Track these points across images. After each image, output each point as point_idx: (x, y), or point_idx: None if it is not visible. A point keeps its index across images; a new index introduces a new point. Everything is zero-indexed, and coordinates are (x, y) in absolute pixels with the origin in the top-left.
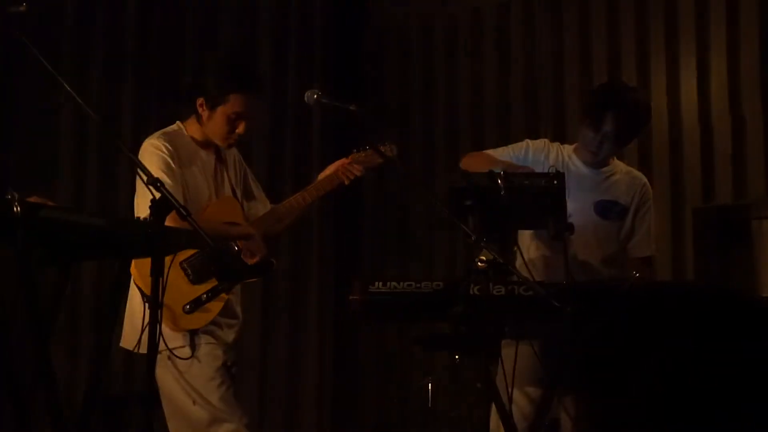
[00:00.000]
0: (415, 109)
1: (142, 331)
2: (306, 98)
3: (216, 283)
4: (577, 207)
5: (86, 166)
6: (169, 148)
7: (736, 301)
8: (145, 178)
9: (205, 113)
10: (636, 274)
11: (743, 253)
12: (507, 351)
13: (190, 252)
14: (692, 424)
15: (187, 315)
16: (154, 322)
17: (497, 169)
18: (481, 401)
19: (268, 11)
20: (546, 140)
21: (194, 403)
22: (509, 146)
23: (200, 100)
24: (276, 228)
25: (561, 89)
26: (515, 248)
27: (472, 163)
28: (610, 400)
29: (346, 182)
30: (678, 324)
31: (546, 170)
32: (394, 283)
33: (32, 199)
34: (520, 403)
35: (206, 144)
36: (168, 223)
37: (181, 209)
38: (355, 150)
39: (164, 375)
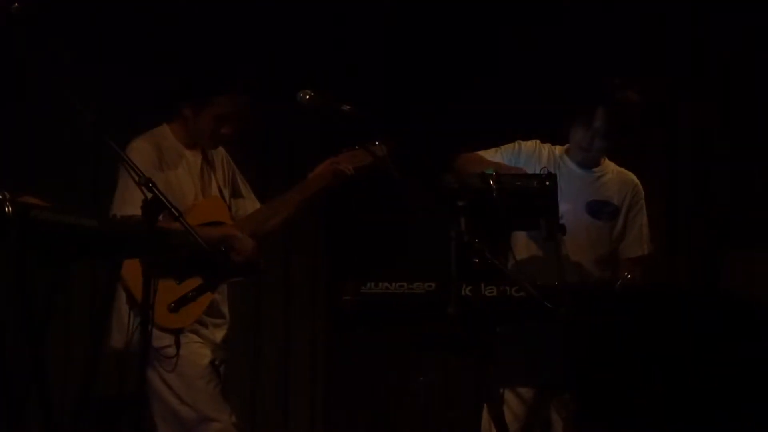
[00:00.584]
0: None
1: (128, 330)
2: (298, 98)
3: (201, 282)
4: (569, 208)
5: (80, 166)
6: (154, 149)
7: (730, 303)
8: (136, 177)
9: (190, 115)
10: (628, 275)
11: (738, 255)
12: (500, 351)
13: None
14: (683, 426)
15: (172, 314)
16: (145, 323)
17: (489, 170)
18: (474, 402)
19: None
20: (537, 141)
21: (182, 402)
22: (501, 147)
23: (185, 103)
24: (265, 227)
25: None
26: (507, 249)
27: (463, 164)
28: (602, 401)
29: (336, 181)
30: (671, 325)
31: (538, 171)
32: (386, 284)
33: (24, 199)
34: (512, 403)
35: (192, 144)
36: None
37: (173, 210)
38: (344, 149)
39: (152, 375)
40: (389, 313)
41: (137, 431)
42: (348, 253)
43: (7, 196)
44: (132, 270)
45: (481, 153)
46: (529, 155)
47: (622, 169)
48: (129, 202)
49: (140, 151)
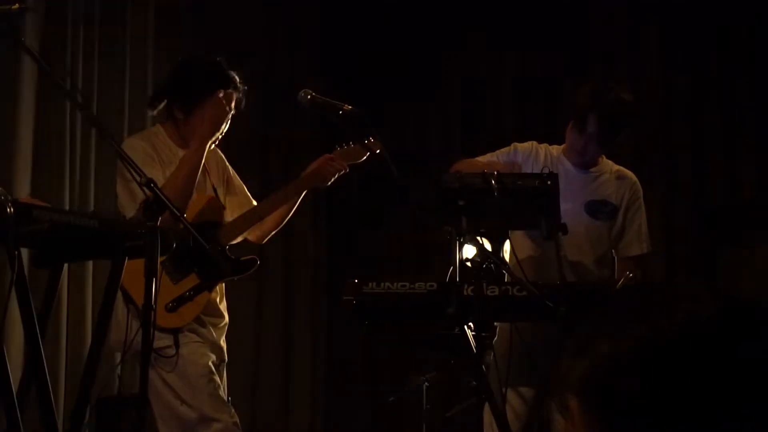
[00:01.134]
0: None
1: (126, 330)
2: (299, 98)
3: (198, 281)
4: (568, 208)
5: (81, 165)
6: (149, 146)
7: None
8: (138, 177)
9: (182, 117)
10: (630, 274)
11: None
12: (500, 350)
13: None
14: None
15: (170, 313)
16: (147, 324)
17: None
18: (475, 401)
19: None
20: (534, 142)
21: (182, 402)
22: (496, 152)
23: (176, 104)
24: (260, 225)
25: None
26: (508, 249)
27: (462, 170)
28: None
29: (330, 178)
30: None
31: (535, 172)
32: (387, 284)
33: (25, 200)
34: (513, 402)
35: (186, 144)
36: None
37: (174, 210)
38: (338, 146)
39: (152, 375)
40: (391, 312)
41: None
42: (348, 253)
43: (9, 197)
44: (129, 269)
45: (479, 158)
46: (526, 156)
47: (621, 168)
48: (134, 204)
49: (135, 148)
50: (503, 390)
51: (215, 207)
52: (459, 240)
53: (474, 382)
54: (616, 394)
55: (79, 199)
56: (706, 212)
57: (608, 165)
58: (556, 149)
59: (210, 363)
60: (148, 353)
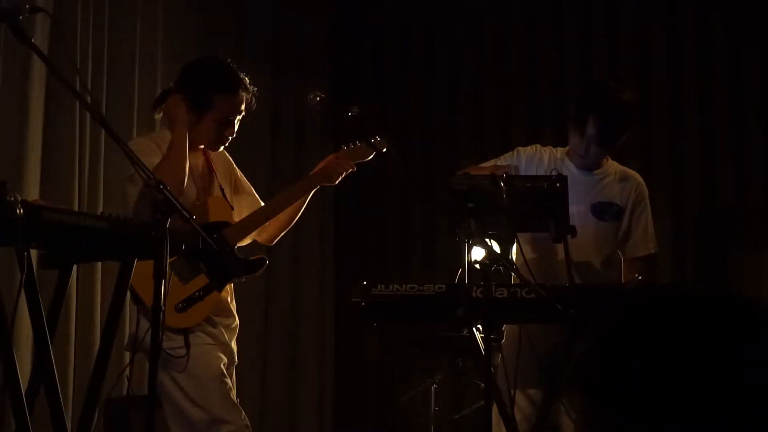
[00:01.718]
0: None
1: (137, 331)
2: (308, 99)
3: (207, 281)
4: (573, 211)
5: (90, 166)
6: (155, 146)
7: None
8: (144, 178)
9: (193, 119)
10: (638, 276)
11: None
12: (509, 352)
13: None
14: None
15: (180, 314)
16: (156, 325)
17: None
18: (483, 403)
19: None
20: (537, 145)
21: (194, 404)
22: (500, 158)
23: (186, 105)
24: (269, 228)
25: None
26: (517, 251)
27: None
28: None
29: (337, 177)
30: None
31: (544, 174)
32: (396, 286)
33: (35, 201)
34: (522, 404)
35: (194, 147)
36: None
37: (184, 211)
38: (344, 145)
39: (163, 377)
40: (399, 314)
41: None
42: (357, 255)
43: (18, 198)
44: (138, 269)
45: (483, 165)
46: (529, 160)
47: (625, 168)
48: (145, 208)
49: (141, 146)
50: (511, 392)
51: (223, 207)
52: (468, 242)
53: (482, 384)
54: (622, 393)
55: (88, 200)
56: (715, 214)
57: (613, 166)
58: (560, 151)
59: (221, 365)
60: (156, 354)
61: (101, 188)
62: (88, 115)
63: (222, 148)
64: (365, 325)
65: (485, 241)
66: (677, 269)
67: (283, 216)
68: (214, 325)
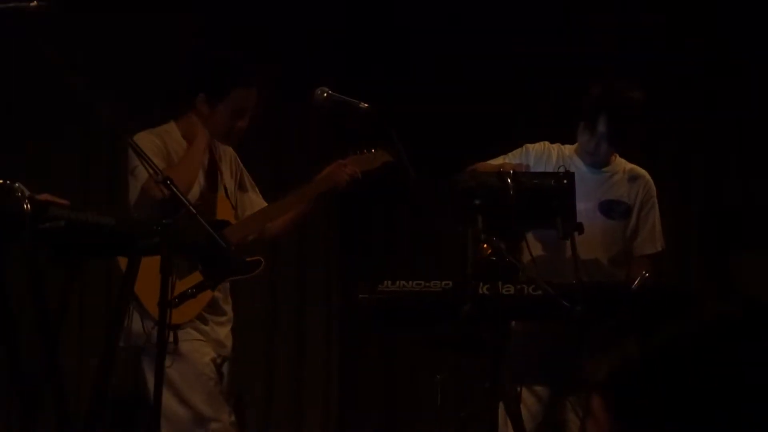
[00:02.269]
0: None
1: (130, 327)
2: (315, 96)
3: (201, 278)
4: (582, 208)
5: (95, 163)
6: (161, 142)
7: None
8: (155, 175)
9: (206, 110)
10: (646, 274)
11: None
12: (515, 349)
13: None
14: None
15: (173, 309)
16: (162, 321)
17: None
18: (488, 401)
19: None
20: (546, 143)
21: (180, 401)
22: (508, 154)
23: (201, 97)
24: (269, 227)
25: None
26: (524, 248)
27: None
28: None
29: (343, 184)
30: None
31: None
32: (402, 282)
33: (42, 197)
34: (528, 401)
35: None
36: None
37: (190, 207)
38: (351, 152)
39: (149, 373)
40: (406, 311)
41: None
42: (363, 252)
43: (26, 194)
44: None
45: (490, 161)
46: (538, 157)
47: (634, 166)
48: (146, 203)
49: (146, 141)
50: (518, 389)
51: (224, 206)
52: (475, 239)
53: (488, 382)
54: (636, 394)
55: (96, 197)
56: (720, 215)
57: (621, 164)
58: (568, 149)
59: (210, 361)
60: (162, 352)
61: (108, 185)
62: None
63: (232, 145)
64: (371, 322)
65: (492, 238)
66: (681, 269)
67: (283, 220)
68: (205, 321)
